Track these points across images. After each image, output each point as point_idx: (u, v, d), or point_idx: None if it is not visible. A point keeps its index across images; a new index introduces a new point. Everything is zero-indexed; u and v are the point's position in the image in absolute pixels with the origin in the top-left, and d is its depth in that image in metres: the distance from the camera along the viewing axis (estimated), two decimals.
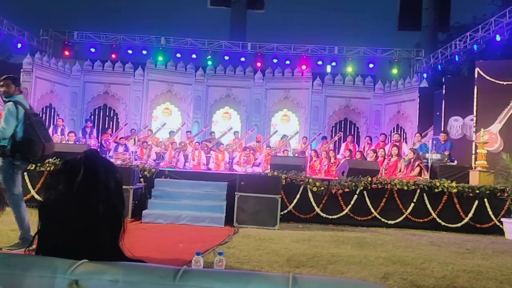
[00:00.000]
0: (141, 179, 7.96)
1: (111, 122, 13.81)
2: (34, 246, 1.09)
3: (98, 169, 1.10)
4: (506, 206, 7.53)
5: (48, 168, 7.64)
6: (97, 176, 1.09)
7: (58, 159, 7.75)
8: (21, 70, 12.20)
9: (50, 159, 7.85)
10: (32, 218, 6.20)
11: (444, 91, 11.59)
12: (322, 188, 7.69)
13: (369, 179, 7.74)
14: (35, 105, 12.46)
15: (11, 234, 4.75)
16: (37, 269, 0.88)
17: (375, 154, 10.20)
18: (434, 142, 9.99)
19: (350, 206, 7.67)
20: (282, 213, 7.24)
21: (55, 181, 1.09)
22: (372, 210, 7.67)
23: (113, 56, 14.25)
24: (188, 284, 0.79)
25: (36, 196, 7.49)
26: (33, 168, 7.67)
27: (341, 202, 7.68)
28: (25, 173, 7.56)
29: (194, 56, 14.49)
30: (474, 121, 10.24)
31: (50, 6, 27.83)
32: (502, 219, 7.45)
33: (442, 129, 10.87)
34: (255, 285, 0.78)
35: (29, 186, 7.53)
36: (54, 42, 14.70)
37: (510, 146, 9.22)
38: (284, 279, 0.79)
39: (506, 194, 7.54)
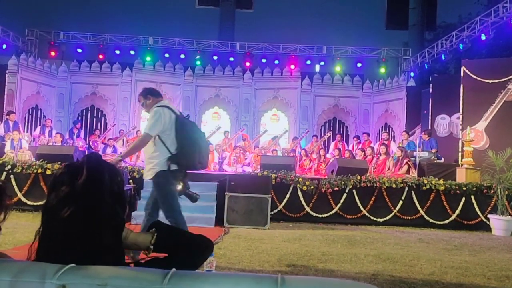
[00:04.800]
0: (130, 181, 7.90)
1: (99, 123, 13.69)
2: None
3: (102, 172, 1.10)
4: (493, 202, 7.64)
5: (35, 171, 7.53)
6: (100, 178, 1.09)
7: (45, 161, 7.67)
8: (6, 71, 12.04)
9: (37, 162, 7.76)
10: (19, 221, 6.12)
11: (431, 90, 11.71)
12: (312, 187, 7.72)
13: (358, 177, 7.79)
14: (20, 106, 12.31)
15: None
16: (25, 274, 0.87)
17: (363, 153, 10.28)
18: (421, 140, 10.11)
19: (339, 204, 7.71)
20: (272, 212, 7.25)
21: (58, 183, 1.08)
22: (362, 208, 7.72)
23: (100, 56, 14.12)
24: (177, 287, 0.79)
25: (23, 199, 7.39)
26: (19, 170, 7.56)
27: (331, 201, 7.71)
28: (12, 176, 7.46)
29: (182, 56, 14.44)
30: (461, 119, 10.36)
31: (35, 6, 27.47)
32: (488, 216, 7.55)
33: (429, 127, 11.01)
34: (243, 287, 0.78)
35: (16, 189, 7.41)
36: (39, 42, 14.52)
37: (495, 143, 9.35)
38: (273, 280, 0.79)
39: (492, 191, 7.64)
